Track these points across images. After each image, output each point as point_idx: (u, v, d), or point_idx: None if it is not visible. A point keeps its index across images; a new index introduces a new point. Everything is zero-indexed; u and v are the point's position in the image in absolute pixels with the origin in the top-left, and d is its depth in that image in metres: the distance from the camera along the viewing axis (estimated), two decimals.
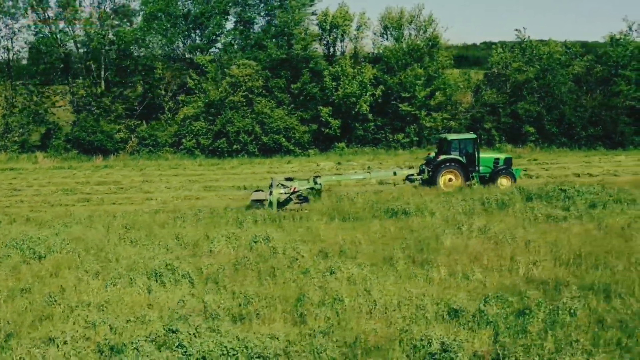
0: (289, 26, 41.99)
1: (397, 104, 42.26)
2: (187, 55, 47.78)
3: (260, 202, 21.58)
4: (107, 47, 44.63)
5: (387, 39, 44.57)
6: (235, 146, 40.85)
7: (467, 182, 25.32)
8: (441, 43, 44.95)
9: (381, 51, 44.10)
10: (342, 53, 44.27)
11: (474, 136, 27.58)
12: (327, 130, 41.76)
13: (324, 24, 42.90)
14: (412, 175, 26.19)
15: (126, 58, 45.35)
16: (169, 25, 46.87)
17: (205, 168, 36.39)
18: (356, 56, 44.08)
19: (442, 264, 12.77)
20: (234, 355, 8.48)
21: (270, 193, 21.81)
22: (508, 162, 26.62)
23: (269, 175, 32.16)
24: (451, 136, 27.62)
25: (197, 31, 47.96)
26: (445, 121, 43.82)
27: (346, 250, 14.29)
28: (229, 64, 44.48)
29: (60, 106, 46.11)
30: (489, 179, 25.54)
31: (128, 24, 46.61)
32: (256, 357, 8.50)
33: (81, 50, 45.88)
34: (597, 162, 37.73)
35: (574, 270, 12.40)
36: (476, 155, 26.05)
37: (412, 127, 43.00)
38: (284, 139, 40.86)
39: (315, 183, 23.95)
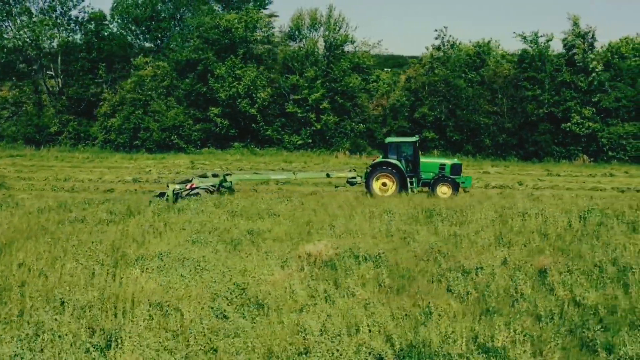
0: (191, 30, 43.75)
1: (285, 106, 42.26)
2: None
3: (163, 196, 22.25)
4: (60, 49, 49.57)
5: (295, 41, 44.62)
6: (135, 142, 43.63)
7: (407, 188, 23.84)
8: (360, 41, 44.32)
9: (286, 53, 44.23)
10: (252, 55, 44.90)
11: (415, 139, 25.49)
12: (218, 129, 42.93)
13: (222, 26, 43.87)
14: (354, 178, 25.12)
15: (77, 60, 49.94)
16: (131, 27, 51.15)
17: (79, 161, 39.52)
18: (261, 59, 44.65)
19: None
20: None
21: (167, 186, 22.65)
22: (456, 169, 24.48)
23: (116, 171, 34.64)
24: (388, 139, 26.29)
25: (148, 34, 51.58)
26: (353, 124, 43.06)
27: None
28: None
29: (24, 102, 51.91)
30: (431, 186, 23.87)
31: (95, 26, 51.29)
32: None
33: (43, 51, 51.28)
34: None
35: None
36: (417, 159, 24.54)
37: (306, 129, 42.73)
38: (175, 137, 42.82)
39: (225, 181, 23.71)
